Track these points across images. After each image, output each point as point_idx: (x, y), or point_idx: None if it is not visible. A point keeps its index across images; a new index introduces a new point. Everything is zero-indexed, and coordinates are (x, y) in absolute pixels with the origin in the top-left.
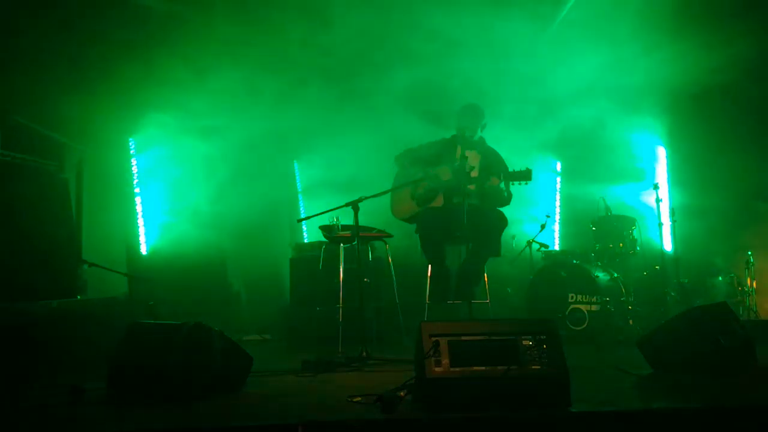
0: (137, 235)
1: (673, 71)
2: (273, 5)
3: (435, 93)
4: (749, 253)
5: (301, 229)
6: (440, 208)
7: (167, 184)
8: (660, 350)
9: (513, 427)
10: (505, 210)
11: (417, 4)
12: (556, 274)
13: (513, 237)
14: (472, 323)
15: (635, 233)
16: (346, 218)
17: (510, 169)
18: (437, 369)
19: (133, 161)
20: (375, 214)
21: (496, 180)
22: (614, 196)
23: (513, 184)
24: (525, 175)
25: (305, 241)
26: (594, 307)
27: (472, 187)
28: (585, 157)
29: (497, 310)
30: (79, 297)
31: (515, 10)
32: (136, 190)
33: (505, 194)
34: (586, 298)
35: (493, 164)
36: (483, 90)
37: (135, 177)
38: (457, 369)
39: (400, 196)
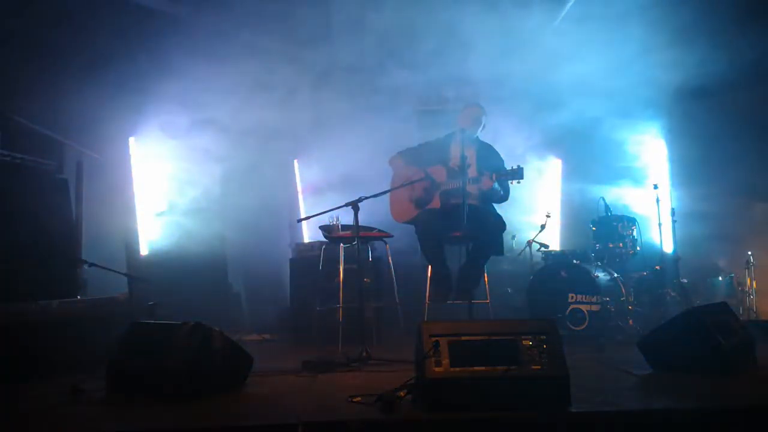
0: (137, 235)
1: (674, 72)
2: (279, 4)
3: (435, 91)
4: (749, 253)
5: (301, 229)
6: (438, 209)
7: (167, 183)
8: (660, 350)
9: (513, 427)
10: (506, 208)
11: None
12: (556, 274)
13: (513, 237)
14: (472, 323)
15: (635, 233)
16: (346, 218)
17: (505, 165)
18: (437, 369)
19: (133, 160)
20: (375, 214)
21: (488, 182)
22: (614, 196)
23: (505, 183)
24: (516, 174)
25: (305, 241)
26: (594, 307)
27: (470, 187)
28: (585, 157)
29: (497, 310)
30: (79, 297)
31: (517, 7)
32: (136, 189)
33: (501, 192)
34: (586, 298)
35: (490, 161)
36: (483, 88)
37: (135, 176)
38: (457, 369)
39: (399, 199)
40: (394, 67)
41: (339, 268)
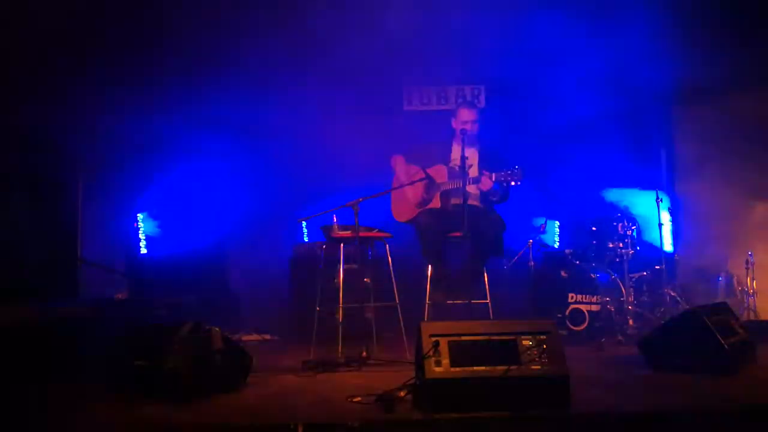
0: (137, 235)
1: (676, 71)
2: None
3: (435, 90)
4: (749, 253)
5: (301, 229)
6: (438, 209)
7: (167, 182)
8: (660, 350)
9: (513, 427)
10: (506, 208)
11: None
12: (556, 274)
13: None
14: (472, 323)
15: (635, 233)
16: (346, 218)
17: (503, 165)
18: (437, 369)
19: (133, 160)
20: (375, 214)
21: (488, 182)
22: (614, 196)
23: (504, 183)
24: (516, 175)
25: (305, 241)
26: (594, 307)
27: (470, 187)
28: (584, 156)
29: (497, 310)
30: (78, 297)
31: (518, 5)
32: (136, 189)
33: (501, 193)
34: (586, 298)
35: (491, 162)
36: (483, 87)
37: (135, 176)
38: (457, 369)
39: (400, 198)
40: (395, 67)
41: (339, 268)
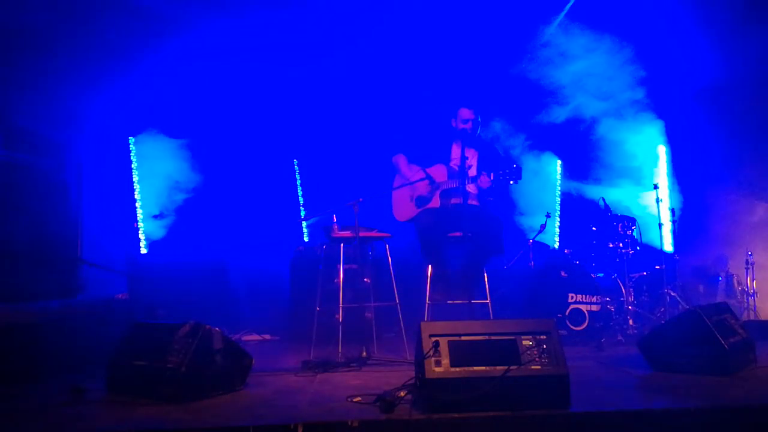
0: (137, 235)
1: (676, 71)
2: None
3: (435, 90)
4: (749, 253)
5: (302, 229)
6: (438, 208)
7: (167, 183)
8: (660, 350)
9: (513, 427)
10: (501, 207)
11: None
12: (556, 274)
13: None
14: (472, 323)
15: (635, 233)
16: (346, 218)
17: (503, 165)
18: (437, 369)
19: (133, 160)
20: (375, 214)
21: (487, 181)
22: (614, 196)
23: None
24: (515, 174)
25: (305, 241)
26: (594, 307)
27: (469, 187)
28: (585, 157)
29: (497, 310)
30: (79, 297)
31: (518, 4)
32: (136, 188)
33: (497, 191)
34: (586, 298)
35: (491, 161)
36: (483, 87)
37: (135, 176)
38: (457, 369)
39: (401, 198)
40: (396, 66)
41: (339, 268)
